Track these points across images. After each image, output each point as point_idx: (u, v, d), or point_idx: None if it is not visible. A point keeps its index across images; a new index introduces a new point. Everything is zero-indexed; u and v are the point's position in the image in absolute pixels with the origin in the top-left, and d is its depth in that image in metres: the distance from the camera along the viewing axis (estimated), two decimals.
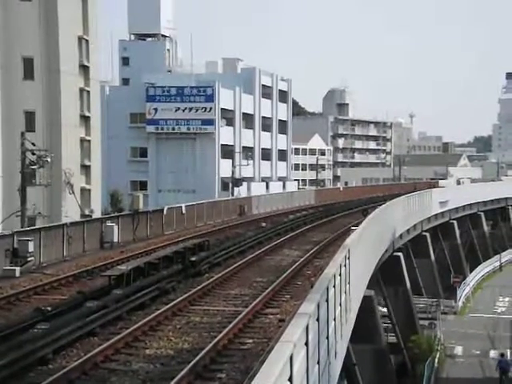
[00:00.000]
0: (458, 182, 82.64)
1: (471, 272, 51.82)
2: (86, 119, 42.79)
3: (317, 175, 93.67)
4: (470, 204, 56.85)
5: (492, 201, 62.80)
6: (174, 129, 64.30)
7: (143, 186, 63.75)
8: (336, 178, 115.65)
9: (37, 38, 39.13)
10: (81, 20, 41.96)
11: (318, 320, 8.47)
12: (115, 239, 26.99)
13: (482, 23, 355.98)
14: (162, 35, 72.59)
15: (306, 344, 7.39)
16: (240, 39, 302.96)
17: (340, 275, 11.63)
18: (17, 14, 38.80)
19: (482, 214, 60.56)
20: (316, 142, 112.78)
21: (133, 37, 73.62)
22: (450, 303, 42.52)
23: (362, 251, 16.39)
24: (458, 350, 34.01)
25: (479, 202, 59.47)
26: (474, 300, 46.02)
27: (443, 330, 35.66)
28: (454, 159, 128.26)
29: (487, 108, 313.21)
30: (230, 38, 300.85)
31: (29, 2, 39.10)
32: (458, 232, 52.69)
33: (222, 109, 64.89)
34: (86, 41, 42.29)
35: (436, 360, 30.93)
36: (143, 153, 65.40)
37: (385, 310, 30.57)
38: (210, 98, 63.56)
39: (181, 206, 34.50)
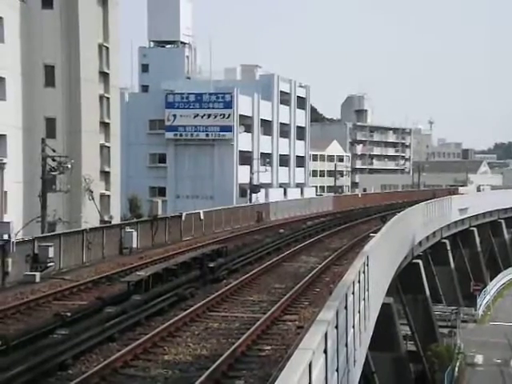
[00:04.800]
0: (478, 189, 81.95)
1: (491, 280, 51.29)
2: (105, 126, 43.13)
3: (335, 181, 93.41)
4: (491, 211, 56.30)
5: None
6: (192, 135, 64.53)
7: (162, 192, 63.98)
8: (354, 185, 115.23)
9: (58, 46, 39.56)
10: (101, 27, 42.37)
11: (336, 327, 8.44)
12: (134, 245, 27.11)
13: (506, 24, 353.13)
14: (182, 42, 72.99)
15: (325, 351, 7.36)
16: (258, 46, 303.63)
17: (359, 282, 11.58)
18: (38, 22, 39.27)
19: (502, 221, 59.93)
20: (334, 149, 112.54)
21: (152, 44, 74.12)
22: (470, 311, 42.12)
23: (380, 258, 16.30)
24: (479, 358, 33.64)
25: (500, 210, 58.88)
26: (494, 308, 45.54)
27: (463, 338, 35.31)
28: (474, 166, 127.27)
29: (508, 114, 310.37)
30: (249, 45, 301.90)
31: (50, 10, 39.56)
32: (478, 239, 52.20)
33: (240, 115, 65.02)
34: (107, 48, 42.67)
35: (456, 369, 30.62)
36: (162, 159, 65.69)
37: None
38: (229, 105, 63.73)
39: (199, 212, 34.58)
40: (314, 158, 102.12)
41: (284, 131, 74.55)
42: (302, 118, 78.03)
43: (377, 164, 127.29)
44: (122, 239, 26.92)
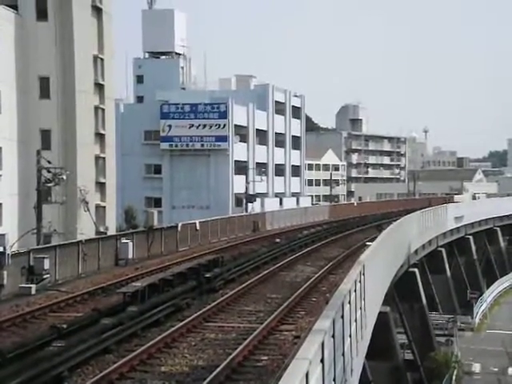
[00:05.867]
0: (474, 197, 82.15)
1: (488, 288, 51.34)
2: (100, 137, 43.14)
3: (331, 191, 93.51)
4: (486, 219, 56.46)
5: (508, 216, 62.31)
6: (187, 145, 64.61)
7: (157, 202, 63.94)
8: (350, 194, 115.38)
9: (53, 58, 39.62)
10: (96, 39, 42.46)
11: (333, 336, 8.45)
12: (130, 256, 27.05)
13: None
14: (176, 53, 73.20)
15: (322, 361, 7.36)
16: (253, 56, 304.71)
17: (355, 291, 11.59)
18: (33, 34, 39.34)
19: (498, 229, 60.09)
20: (330, 158, 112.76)
21: (147, 55, 74.32)
22: (466, 319, 42.14)
23: (377, 267, 16.32)
24: (476, 367, 33.63)
25: (495, 217, 59.05)
26: (491, 316, 45.58)
27: (460, 346, 35.30)
28: (469, 174, 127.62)
29: (502, 122, 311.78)
30: (243, 55, 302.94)
31: (45, 22, 39.64)
32: (473, 247, 52.30)
33: (235, 125, 65.14)
34: (101, 59, 42.75)
35: (453, 377, 30.59)
36: (157, 169, 65.69)
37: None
38: (224, 115, 63.86)
39: (195, 223, 34.56)
40: (310, 167, 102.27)
41: (279, 141, 74.68)
42: (297, 127, 78.20)
43: (372, 173, 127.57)
44: (118, 250, 26.87)
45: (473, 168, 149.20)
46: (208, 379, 11.62)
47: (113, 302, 17.93)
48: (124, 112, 64.44)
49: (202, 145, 64.34)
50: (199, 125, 63.90)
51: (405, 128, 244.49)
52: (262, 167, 70.52)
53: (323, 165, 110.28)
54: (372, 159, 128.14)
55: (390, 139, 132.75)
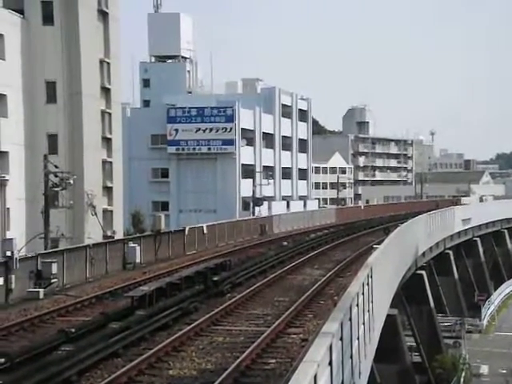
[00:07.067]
0: (481, 199, 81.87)
1: (496, 290, 51.16)
2: (107, 141, 43.26)
3: (338, 194, 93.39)
4: (494, 221, 56.27)
5: None
6: (194, 149, 64.70)
7: (165, 206, 64.00)
8: (357, 197, 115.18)
9: (59, 62, 39.78)
10: (102, 43, 42.61)
11: (341, 339, 8.44)
12: (137, 260, 27.10)
13: None
14: (182, 57, 73.38)
15: (330, 364, 7.36)
16: (259, 59, 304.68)
17: (363, 294, 11.58)
18: (39, 38, 39.52)
19: (505, 231, 59.90)
20: (336, 161, 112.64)
21: (153, 59, 74.51)
22: (474, 322, 42.01)
23: (384, 269, 16.29)
24: (484, 369, 33.50)
25: (502, 220, 58.85)
26: (499, 318, 45.40)
27: (468, 348, 35.17)
28: (477, 176, 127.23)
29: (510, 124, 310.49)
30: (250, 58, 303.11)
31: (51, 26, 39.82)
32: (481, 250, 52.14)
33: (242, 129, 65.18)
34: (108, 63, 42.90)
35: (461, 380, 30.48)
36: (164, 173, 65.79)
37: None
38: (231, 119, 63.92)
39: (202, 226, 34.59)
40: (317, 170, 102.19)
41: (286, 144, 74.68)
42: (303, 130, 78.18)
43: (379, 175, 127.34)
44: (126, 254, 26.91)
45: (480, 170, 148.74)
46: (216, 383, 11.62)
47: (121, 306, 17.95)
48: (131, 116, 64.59)
49: (209, 148, 64.40)
50: (206, 128, 63.97)
51: (411, 130, 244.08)
52: (268, 170, 70.52)
53: (330, 168, 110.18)
54: (379, 162, 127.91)
55: (397, 142, 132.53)
